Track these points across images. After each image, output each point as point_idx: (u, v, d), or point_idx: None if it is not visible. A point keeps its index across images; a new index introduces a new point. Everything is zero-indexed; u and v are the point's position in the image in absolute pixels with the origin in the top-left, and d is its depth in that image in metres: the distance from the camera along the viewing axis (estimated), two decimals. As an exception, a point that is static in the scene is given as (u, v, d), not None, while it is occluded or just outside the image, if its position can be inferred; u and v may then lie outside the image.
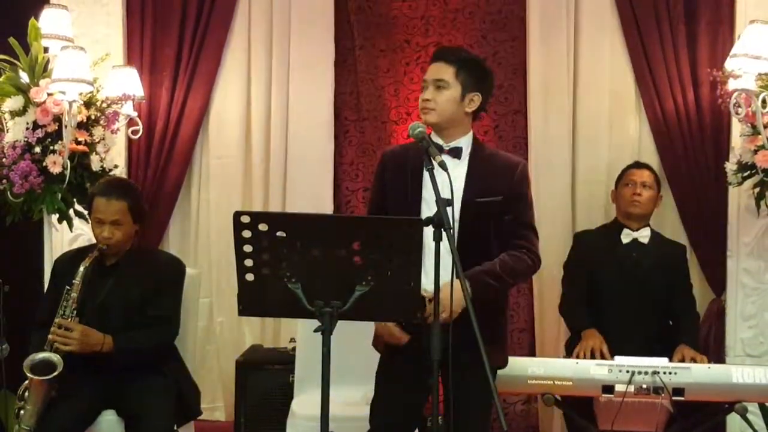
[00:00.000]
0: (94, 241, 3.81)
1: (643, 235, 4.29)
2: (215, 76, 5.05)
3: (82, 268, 3.63)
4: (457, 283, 2.72)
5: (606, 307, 4.22)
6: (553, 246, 4.81)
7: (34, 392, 3.51)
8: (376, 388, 3.28)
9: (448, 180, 2.74)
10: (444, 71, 3.17)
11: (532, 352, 4.97)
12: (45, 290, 4.03)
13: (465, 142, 3.21)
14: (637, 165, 4.44)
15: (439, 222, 2.64)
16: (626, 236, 4.29)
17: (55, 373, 3.48)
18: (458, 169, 3.13)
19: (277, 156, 5.10)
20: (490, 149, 3.37)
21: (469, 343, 2.53)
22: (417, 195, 3.16)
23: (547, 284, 4.86)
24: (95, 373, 3.66)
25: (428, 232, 2.63)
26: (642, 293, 4.20)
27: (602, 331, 4.10)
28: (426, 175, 3.01)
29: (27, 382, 3.54)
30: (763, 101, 3.92)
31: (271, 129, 5.10)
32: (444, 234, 2.64)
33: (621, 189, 4.37)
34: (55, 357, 3.50)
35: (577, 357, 3.92)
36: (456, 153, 3.16)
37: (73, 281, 3.62)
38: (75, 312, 3.59)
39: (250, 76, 5.13)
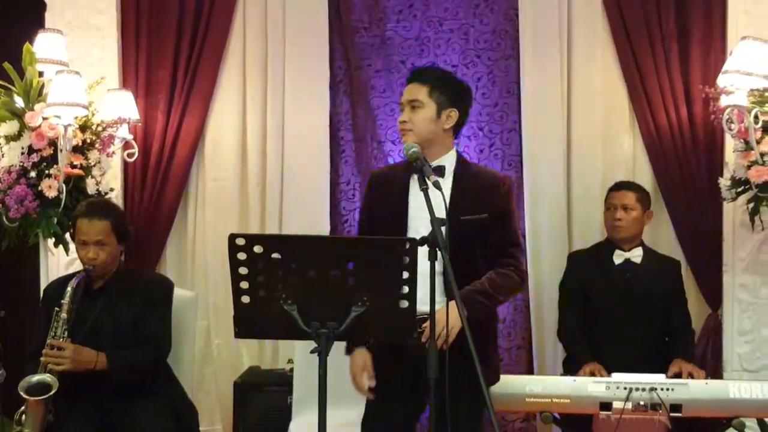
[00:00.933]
0: (88, 264, 3.81)
1: (635, 255, 4.27)
2: (211, 98, 5.06)
3: (69, 288, 3.64)
4: (452, 305, 2.71)
5: (602, 327, 4.22)
6: (550, 264, 4.84)
7: (31, 415, 3.51)
8: (366, 406, 3.28)
9: (442, 199, 2.76)
10: (417, 91, 3.21)
11: (530, 370, 4.96)
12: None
13: (448, 160, 3.22)
14: (618, 186, 4.39)
15: (434, 242, 2.64)
16: (618, 257, 4.28)
17: (51, 393, 3.47)
18: (443, 188, 3.13)
19: (274, 177, 5.10)
20: (475, 166, 3.39)
21: (460, 362, 2.56)
22: (403, 215, 3.18)
23: (544, 302, 4.87)
24: (90, 396, 3.65)
25: (422, 251, 2.62)
26: (637, 313, 4.19)
27: (599, 350, 4.10)
28: (411, 194, 3.10)
29: (24, 406, 3.54)
30: (756, 117, 3.95)
31: (267, 150, 5.10)
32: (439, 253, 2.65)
33: (605, 212, 4.36)
34: (50, 378, 3.50)
35: None
36: (440, 171, 3.16)
37: (62, 302, 3.62)
38: (66, 332, 3.59)
39: (246, 97, 5.14)
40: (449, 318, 2.75)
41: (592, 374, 3.90)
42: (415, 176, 3.09)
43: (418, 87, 3.21)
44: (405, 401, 3.15)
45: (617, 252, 4.29)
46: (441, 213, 2.74)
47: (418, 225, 3.09)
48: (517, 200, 4.93)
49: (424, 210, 2.80)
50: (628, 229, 4.25)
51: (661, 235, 4.81)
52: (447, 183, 3.17)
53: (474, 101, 4.93)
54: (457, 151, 3.30)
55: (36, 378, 3.51)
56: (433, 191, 2.78)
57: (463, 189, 3.14)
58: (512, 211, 3.24)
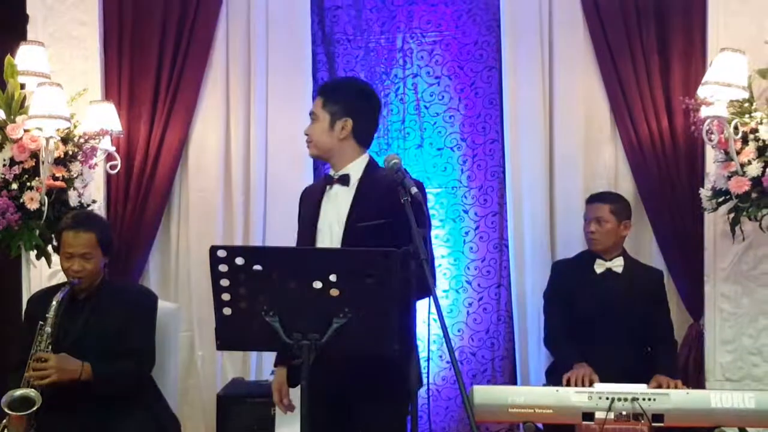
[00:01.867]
0: (71, 276, 3.80)
1: (616, 265, 4.29)
2: (194, 109, 5.06)
3: (55, 302, 3.62)
4: None
5: (585, 336, 4.22)
6: (532, 274, 4.87)
7: (13, 429, 3.48)
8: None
9: (426, 213, 2.78)
10: (315, 104, 3.28)
11: (513, 380, 4.98)
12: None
13: (354, 169, 3.23)
14: (591, 199, 4.41)
15: (414, 253, 2.65)
16: (599, 266, 4.30)
17: (34, 408, 3.45)
18: (347, 196, 3.18)
19: (257, 188, 5.10)
20: (382, 171, 3.20)
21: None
22: (313, 224, 3.22)
23: (527, 312, 4.89)
24: (73, 409, 3.63)
25: None
26: (619, 322, 4.20)
27: (586, 359, 4.12)
28: (322, 206, 3.20)
29: (5, 420, 3.52)
30: (735, 128, 3.98)
31: (250, 161, 5.11)
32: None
33: (583, 224, 4.39)
34: (33, 392, 3.48)
35: (568, 381, 3.92)
36: (344, 180, 3.20)
37: (47, 315, 3.60)
38: (50, 346, 3.58)
39: (229, 108, 5.14)
40: None
41: (584, 376, 3.91)
42: (329, 187, 3.23)
43: (317, 100, 3.28)
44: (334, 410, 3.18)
45: (598, 261, 4.30)
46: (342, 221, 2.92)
47: (324, 236, 3.18)
48: (500, 210, 4.98)
49: (329, 220, 3.10)
50: (601, 242, 4.27)
51: (643, 245, 4.84)
52: (351, 192, 3.20)
53: (456, 112, 5.04)
54: (371, 159, 3.29)
55: (19, 392, 3.49)
56: (336, 198, 2.98)
57: (365, 196, 3.13)
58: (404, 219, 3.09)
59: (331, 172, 3.28)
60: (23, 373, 3.55)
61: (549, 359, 4.63)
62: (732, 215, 4.15)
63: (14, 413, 3.45)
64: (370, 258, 2.57)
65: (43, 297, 3.78)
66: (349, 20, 5.20)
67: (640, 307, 4.24)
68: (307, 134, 3.28)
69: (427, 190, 3.19)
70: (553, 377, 4.28)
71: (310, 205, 3.30)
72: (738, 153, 4.00)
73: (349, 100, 3.24)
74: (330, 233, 3.19)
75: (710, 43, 4.54)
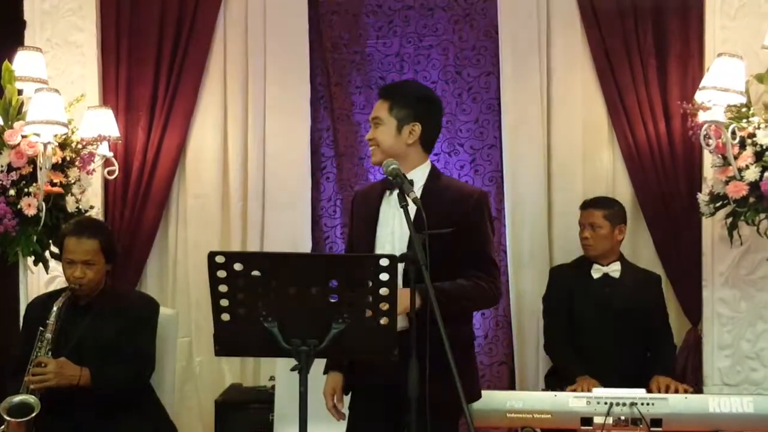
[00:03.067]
0: (69, 283, 3.79)
1: (614, 270, 4.32)
2: (191, 115, 5.06)
3: (55, 308, 3.62)
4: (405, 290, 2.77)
5: (584, 341, 4.24)
6: (530, 279, 4.86)
7: None
8: (348, 425, 3.28)
9: (423, 217, 2.77)
10: (379, 108, 3.21)
11: (511, 386, 4.97)
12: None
13: (418, 175, 3.18)
14: (585, 205, 4.44)
15: (413, 258, 2.65)
16: (596, 271, 4.32)
17: (33, 415, 3.45)
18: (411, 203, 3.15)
19: (255, 194, 5.09)
20: (448, 180, 3.33)
21: (437, 381, 2.61)
22: (372, 232, 3.19)
23: (526, 317, 4.88)
24: (71, 415, 3.65)
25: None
26: (618, 327, 4.21)
27: (585, 364, 4.12)
28: (382, 210, 3.13)
29: (4, 426, 3.52)
30: (733, 133, 3.98)
31: (248, 167, 5.10)
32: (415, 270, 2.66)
33: (579, 231, 4.41)
34: (32, 399, 3.48)
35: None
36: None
37: (47, 321, 3.60)
38: (50, 352, 3.58)
39: (227, 114, 5.13)
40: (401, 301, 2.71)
41: (588, 389, 3.90)
42: (388, 192, 3.17)
43: (380, 104, 3.22)
44: (386, 420, 3.14)
45: (595, 266, 4.32)
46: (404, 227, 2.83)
47: (384, 241, 3.14)
48: (498, 215, 4.97)
49: (391, 226, 3.00)
50: (596, 248, 4.30)
51: (641, 250, 4.84)
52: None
53: (454, 117, 5.04)
54: (433, 165, 3.28)
55: (18, 398, 3.50)
56: (411, 207, 2.80)
57: (430, 204, 3.00)
58: (483, 226, 3.16)
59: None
60: (22, 378, 3.55)
61: (548, 364, 4.63)
62: (730, 220, 4.15)
63: (13, 420, 3.45)
64: (368, 263, 2.57)
65: (43, 302, 3.79)
66: (345, 25, 5.19)
67: (639, 311, 4.25)
68: (370, 139, 3.22)
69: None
70: (554, 381, 4.29)
71: (367, 209, 3.25)
72: (735, 158, 4.00)
73: (416, 104, 3.19)
74: (392, 239, 3.14)
75: (708, 47, 4.54)
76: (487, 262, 3.15)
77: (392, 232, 3.15)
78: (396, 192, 2.91)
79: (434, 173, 3.24)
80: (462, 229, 3.05)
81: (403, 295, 2.74)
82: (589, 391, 3.86)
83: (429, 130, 3.21)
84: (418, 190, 3.14)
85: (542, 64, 4.95)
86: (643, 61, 4.75)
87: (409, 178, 3.07)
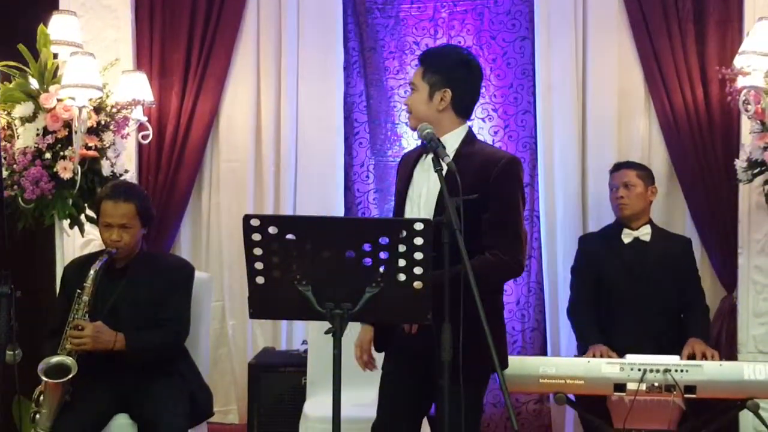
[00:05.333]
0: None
1: (644, 233, 4.29)
2: (225, 80, 5.08)
3: (92, 272, 3.65)
4: None
5: (615, 308, 4.22)
6: (563, 246, 4.85)
7: (49, 396, 3.55)
8: (381, 382, 3.30)
9: (458, 182, 2.75)
10: (415, 74, 3.21)
11: (543, 352, 4.97)
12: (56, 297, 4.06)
13: (450, 140, 3.14)
14: (617, 167, 4.42)
15: (448, 223, 2.64)
16: (627, 236, 4.29)
17: (70, 376, 3.50)
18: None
19: (288, 159, 5.11)
20: (481, 146, 3.24)
21: (466, 347, 2.62)
22: (404, 194, 3.19)
23: (558, 283, 4.88)
24: (108, 377, 3.70)
25: None
26: (650, 292, 4.19)
27: (615, 331, 4.11)
28: (416, 173, 3.14)
29: (42, 385, 3.58)
30: (773, 98, 3.92)
31: (281, 132, 5.11)
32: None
33: (609, 194, 4.40)
34: (69, 360, 3.53)
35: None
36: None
37: (84, 284, 3.64)
38: (86, 315, 3.62)
39: (260, 79, 5.15)
40: None
41: (600, 356, 3.90)
42: (424, 156, 3.15)
43: (417, 70, 3.21)
44: (416, 382, 3.16)
45: (625, 231, 4.30)
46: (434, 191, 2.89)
47: (413, 204, 3.15)
48: (531, 181, 4.95)
49: (419, 189, 3.04)
50: (632, 206, 4.27)
51: (676, 217, 4.81)
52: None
53: (488, 82, 5.00)
54: (470, 131, 3.22)
55: (55, 360, 3.54)
56: (430, 168, 2.85)
57: (461, 169, 2.91)
58: (507, 194, 3.05)
59: None
60: (58, 340, 3.60)
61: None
62: (767, 187, 4.10)
63: (51, 380, 3.50)
64: (402, 227, 2.56)
65: (80, 265, 3.82)
66: (380, -11, 5.17)
67: (670, 274, 4.23)
68: (406, 104, 3.23)
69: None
70: (578, 346, 4.29)
71: (405, 171, 3.26)
72: (775, 123, 3.95)
73: (448, 70, 3.15)
74: (419, 202, 3.12)
75: (747, 11, 4.47)
76: (509, 234, 3.06)
77: (419, 195, 3.14)
78: (430, 156, 2.88)
79: (468, 138, 3.19)
80: (486, 197, 2.99)
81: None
82: (602, 352, 3.90)
83: (462, 95, 3.17)
84: (450, 155, 3.08)
85: (578, 28, 4.90)
86: (681, 26, 4.68)
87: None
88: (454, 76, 3.15)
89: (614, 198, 4.33)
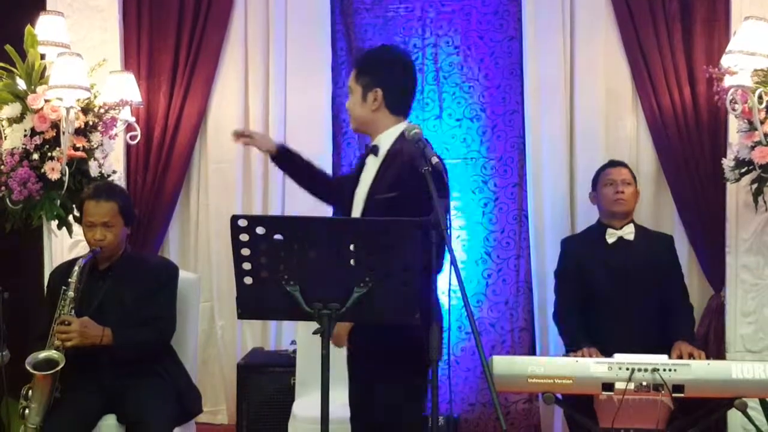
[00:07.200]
0: (93, 246, 3.83)
1: (628, 232, 4.28)
2: (213, 80, 5.08)
3: (77, 267, 3.67)
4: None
5: (601, 309, 4.21)
6: (552, 245, 4.84)
7: (38, 390, 3.57)
8: None
9: (446, 183, 2.76)
10: (350, 78, 3.25)
11: (532, 351, 4.98)
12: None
13: (384, 140, 3.18)
14: (612, 164, 4.41)
15: (435, 223, 2.64)
16: (611, 236, 4.28)
17: (59, 368, 3.52)
18: (374, 167, 3.16)
19: (276, 159, 5.10)
20: (408, 144, 3.05)
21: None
22: (352, 194, 3.23)
23: (547, 283, 4.87)
24: (96, 377, 3.71)
25: None
26: (634, 291, 4.18)
27: (600, 332, 4.11)
28: (361, 175, 3.20)
29: (30, 383, 3.59)
30: (759, 97, 3.93)
31: (269, 132, 5.10)
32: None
33: (602, 189, 4.33)
34: (56, 354, 3.55)
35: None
36: (375, 151, 3.19)
37: (69, 280, 3.66)
38: (73, 311, 3.64)
39: (248, 79, 5.15)
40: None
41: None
42: (371, 155, 3.19)
43: (352, 73, 3.25)
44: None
45: (609, 231, 4.29)
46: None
47: (357, 207, 3.18)
48: (520, 180, 4.96)
49: (361, 190, 3.11)
50: (629, 203, 4.28)
51: (664, 216, 4.82)
52: (377, 162, 3.17)
53: (476, 82, 5.01)
54: (404, 132, 3.10)
55: (43, 354, 3.56)
56: (368, 169, 2.99)
57: (386, 168, 3.04)
58: (414, 197, 2.91)
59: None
60: (46, 343, 3.61)
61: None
62: (755, 185, 4.11)
63: (39, 372, 3.52)
64: (389, 227, 2.56)
65: (65, 268, 3.84)
66: (367, -11, 5.17)
67: (654, 273, 4.23)
68: (347, 108, 3.28)
69: (445, 161, 3.13)
70: (567, 351, 4.29)
71: (354, 175, 3.30)
72: (762, 122, 3.95)
73: (378, 70, 3.19)
74: (359, 204, 3.17)
75: (734, 10, 4.48)
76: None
77: (359, 196, 3.19)
78: (370, 157, 3.09)
79: (402, 137, 3.14)
80: (402, 197, 2.99)
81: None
82: (591, 353, 3.90)
83: (393, 93, 3.19)
84: (381, 155, 3.16)
85: (566, 28, 4.92)
86: (668, 25, 4.70)
87: (374, 143, 3.16)
88: (384, 75, 3.19)
89: (611, 194, 4.27)
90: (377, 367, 3.07)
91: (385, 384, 3.06)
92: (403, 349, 2.92)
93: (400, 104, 3.23)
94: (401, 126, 3.19)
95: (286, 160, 3.60)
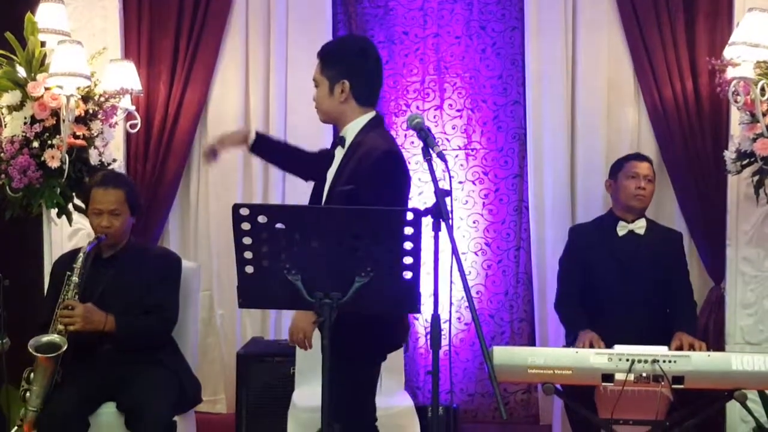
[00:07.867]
0: (93, 235, 3.84)
1: (639, 226, 4.27)
2: (213, 69, 5.05)
3: (82, 254, 3.72)
4: None
5: (604, 300, 4.22)
6: (552, 236, 4.85)
7: (40, 373, 3.59)
8: None
9: (448, 173, 2.74)
10: (315, 70, 3.23)
11: (532, 342, 4.99)
12: (45, 290, 4.06)
13: (350, 131, 3.18)
14: (639, 157, 4.36)
15: (437, 213, 2.63)
16: (622, 228, 4.27)
17: (61, 351, 3.53)
18: (338, 159, 3.16)
19: (276, 148, 5.09)
20: (374, 135, 3.16)
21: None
22: (322, 186, 3.22)
23: (547, 274, 4.88)
24: (96, 364, 3.72)
25: None
26: (640, 285, 4.19)
27: (602, 324, 4.11)
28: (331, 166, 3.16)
29: (32, 366, 3.61)
30: (762, 89, 3.92)
31: (269, 121, 5.10)
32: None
33: (623, 181, 4.28)
34: (59, 338, 3.57)
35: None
36: (342, 142, 3.18)
37: (74, 266, 3.69)
38: (77, 296, 3.66)
39: (248, 67, 5.13)
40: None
41: (591, 344, 3.92)
42: (339, 147, 3.19)
43: (317, 65, 3.23)
44: None
45: (621, 224, 4.28)
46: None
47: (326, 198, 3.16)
48: (521, 171, 4.95)
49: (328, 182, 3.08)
50: (647, 200, 4.28)
51: (665, 208, 4.82)
52: (341, 154, 3.17)
53: (478, 72, 5.00)
54: (372, 119, 3.19)
55: (45, 338, 3.58)
56: (335, 161, 2.99)
57: (348, 160, 3.06)
58: (370, 189, 2.98)
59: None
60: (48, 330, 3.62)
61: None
62: (756, 178, 4.11)
63: (42, 355, 3.54)
64: (392, 217, 2.55)
65: (69, 257, 3.86)
66: (368, -21, 5.15)
67: (661, 269, 4.23)
68: (314, 101, 3.26)
69: (446, 152, 3.13)
70: (568, 339, 4.29)
71: (327, 167, 3.28)
72: (764, 114, 3.94)
73: (343, 62, 3.18)
74: (317, 191, 3.21)
75: (737, 2, 4.46)
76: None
77: (327, 188, 3.19)
78: (338, 148, 3.10)
79: (368, 127, 3.18)
80: (360, 190, 2.99)
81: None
82: (595, 344, 3.91)
83: (360, 84, 3.18)
84: (346, 147, 3.16)
85: (567, 19, 4.91)
86: (671, 16, 4.68)
87: (342, 135, 3.16)
88: (350, 66, 3.18)
89: (633, 188, 4.23)
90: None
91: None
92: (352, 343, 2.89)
93: (367, 95, 3.22)
94: (368, 116, 3.21)
95: (264, 147, 3.62)
